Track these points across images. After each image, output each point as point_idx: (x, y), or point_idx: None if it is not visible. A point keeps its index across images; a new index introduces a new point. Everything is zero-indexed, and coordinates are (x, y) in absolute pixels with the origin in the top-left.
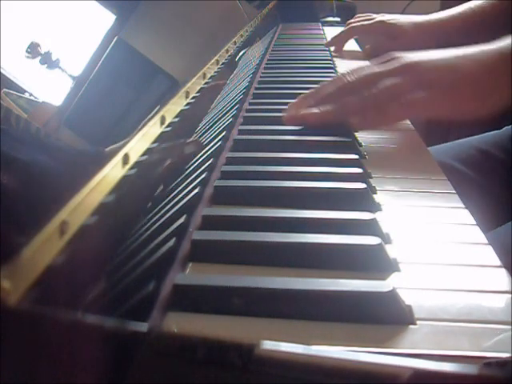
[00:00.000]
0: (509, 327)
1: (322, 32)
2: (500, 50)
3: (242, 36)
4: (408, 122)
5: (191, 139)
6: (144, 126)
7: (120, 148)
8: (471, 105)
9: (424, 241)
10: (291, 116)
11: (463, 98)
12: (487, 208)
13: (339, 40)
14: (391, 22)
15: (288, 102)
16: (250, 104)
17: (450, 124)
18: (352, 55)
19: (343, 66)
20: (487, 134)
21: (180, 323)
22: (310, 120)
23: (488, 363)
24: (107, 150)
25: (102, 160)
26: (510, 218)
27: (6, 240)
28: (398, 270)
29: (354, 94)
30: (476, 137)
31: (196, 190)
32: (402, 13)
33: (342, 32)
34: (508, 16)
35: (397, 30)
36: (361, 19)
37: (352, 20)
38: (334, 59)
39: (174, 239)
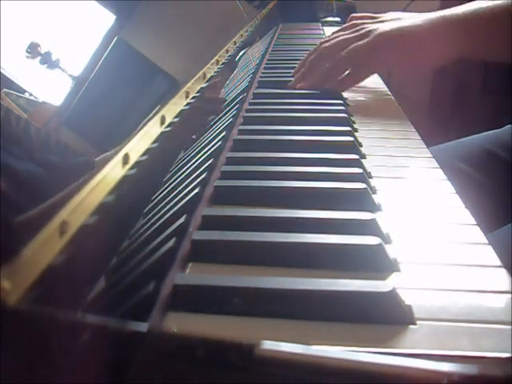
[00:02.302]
0: (509, 327)
1: (322, 32)
2: (440, 15)
3: (242, 36)
4: (408, 122)
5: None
6: (144, 126)
7: (111, 156)
8: (416, 57)
9: (424, 241)
10: (292, 85)
11: (409, 52)
12: (489, 208)
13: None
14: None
15: (288, 102)
16: (250, 104)
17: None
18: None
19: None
20: (489, 132)
21: (180, 323)
22: (303, 88)
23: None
24: (97, 159)
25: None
26: (511, 217)
27: (6, 240)
28: (398, 270)
29: (328, 59)
30: (478, 135)
31: (196, 190)
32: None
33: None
34: None
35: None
36: (364, 18)
37: (356, 14)
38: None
39: (174, 239)
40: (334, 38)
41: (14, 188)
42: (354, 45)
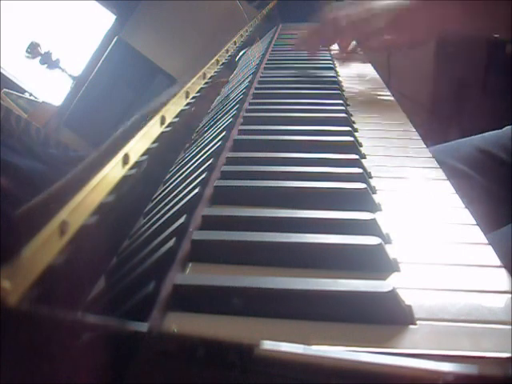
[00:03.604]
0: (509, 327)
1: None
2: None
3: (241, 36)
4: (408, 122)
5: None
6: (144, 124)
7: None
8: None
9: (424, 241)
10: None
11: (400, 22)
12: (488, 208)
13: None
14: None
15: (288, 102)
16: (250, 104)
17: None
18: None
19: (342, 64)
20: (488, 133)
21: (180, 323)
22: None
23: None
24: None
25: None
26: (510, 218)
27: (6, 240)
28: (398, 270)
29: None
30: (477, 136)
31: (196, 190)
32: None
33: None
34: None
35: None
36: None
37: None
38: (334, 59)
39: (174, 239)
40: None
41: (16, 184)
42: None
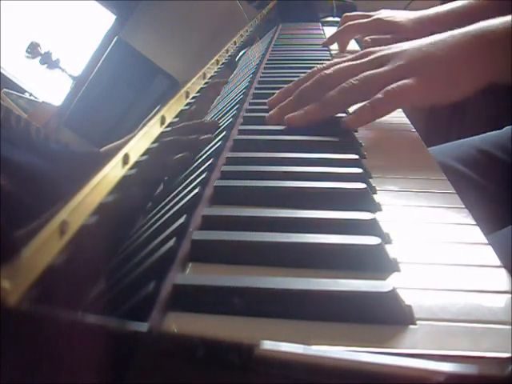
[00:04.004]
0: (509, 327)
1: (322, 32)
2: (471, 33)
3: (241, 36)
4: (408, 122)
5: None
6: (144, 126)
7: (116, 147)
8: (445, 89)
9: (424, 241)
10: (272, 117)
11: (438, 83)
12: (488, 209)
13: (337, 38)
14: (389, 19)
15: None
16: (250, 104)
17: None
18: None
19: None
20: (488, 134)
21: (180, 323)
22: (295, 123)
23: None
24: (103, 150)
25: (96, 161)
26: (510, 219)
27: (6, 240)
28: (397, 270)
29: (333, 88)
30: (476, 137)
31: (196, 190)
32: None
33: (339, 31)
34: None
35: (395, 26)
36: (358, 17)
37: (348, 14)
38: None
39: (174, 239)
40: (336, 64)
41: (17, 180)
42: (370, 72)
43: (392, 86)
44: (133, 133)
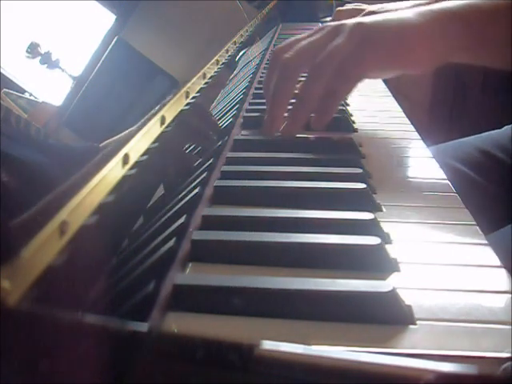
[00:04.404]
0: (509, 327)
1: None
2: (439, 8)
3: (241, 36)
4: (408, 122)
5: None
6: (144, 124)
7: (115, 142)
8: (399, 57)
9: (424, 241)
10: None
11: (402, 47)
12: (487, 208)
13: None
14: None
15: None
16: (250, 104)
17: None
18: None
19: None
20: (487, 133)
21: (180, 323)
22: (291, 133)
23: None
24: (102, 145)
25: (95, 155)
26: (510, 218)
27: (6, 240)
28: (397, 270)
29: (299, 70)
30: (476, 136)
31: (196, 190)
32: None
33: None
34: None
35: None
36: (350, 12)
37: (341, 8)
38: None
39: (174, 239)
40: (294, 42)
41: (17, 177)
42: (328, 50)
43: (345, 63)
44: (132, 127)
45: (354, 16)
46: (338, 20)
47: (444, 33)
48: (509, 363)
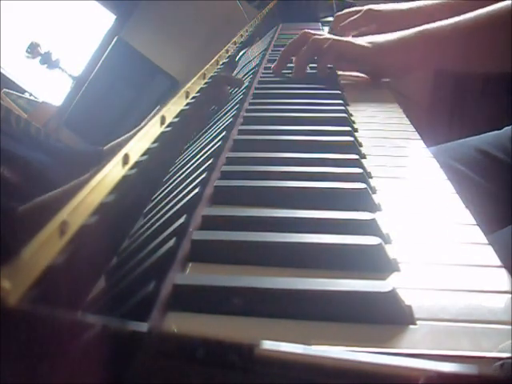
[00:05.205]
0: (509, 327)
1: (322, 32)
2: (421, 31)
3: (241, 36)
4: (408, 122)
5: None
6: (144, 125)
7: (119, 145)
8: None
9: (424, 241)
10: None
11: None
12: (487, 209)
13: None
14: (378, 9)
15: (288, 102)
16: (250, 104)
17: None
18: None
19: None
20: (487, 134)
21: (180, 323)
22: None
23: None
24: (106, 148)
25: (101, 158)
26: (510, 219)
27: (6, 240)
28: (397, 270)
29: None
30: (476, 137)
31: (196, 190)
32: None
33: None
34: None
35: (384, 17)
36: (349, 15)
37: (340, 13)
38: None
39: (174, 239)
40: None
41: (23, 178)
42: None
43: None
44: (135, 129)
45: (353, 16)
46: (339, 24)
47: (423, 51)
48: (508, 361)
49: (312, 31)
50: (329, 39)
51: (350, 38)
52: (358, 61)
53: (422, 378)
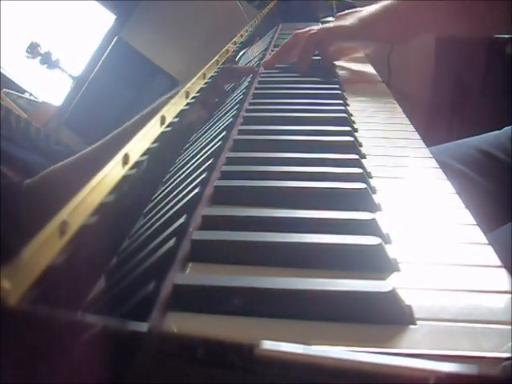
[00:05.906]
0: (509, 327)
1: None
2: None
3: (241, 36)
4: (408, 122)
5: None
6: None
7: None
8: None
9: (424, 241)
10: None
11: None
12: (487, 209)
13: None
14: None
15: (288, 102)
16: (250, 104)
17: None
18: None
19: (342, 65)
20: (487, 134)
21: (180, 323)
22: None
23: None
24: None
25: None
26: (510, 219)
27: (6, 240)
28: (397, 270)
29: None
30: (476, 137)
31: (196, 190)
32: None
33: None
34: None
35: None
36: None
37: (340, 13)
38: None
39: (174, 239)
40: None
41: (18, 176)
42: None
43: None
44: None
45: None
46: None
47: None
48: (508, 362)
49: (301, 30)
50: (320, 28)
51: (337, 22)
52: (353, 38)
53: (422, 378)
